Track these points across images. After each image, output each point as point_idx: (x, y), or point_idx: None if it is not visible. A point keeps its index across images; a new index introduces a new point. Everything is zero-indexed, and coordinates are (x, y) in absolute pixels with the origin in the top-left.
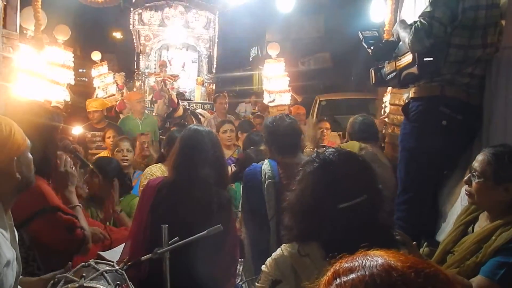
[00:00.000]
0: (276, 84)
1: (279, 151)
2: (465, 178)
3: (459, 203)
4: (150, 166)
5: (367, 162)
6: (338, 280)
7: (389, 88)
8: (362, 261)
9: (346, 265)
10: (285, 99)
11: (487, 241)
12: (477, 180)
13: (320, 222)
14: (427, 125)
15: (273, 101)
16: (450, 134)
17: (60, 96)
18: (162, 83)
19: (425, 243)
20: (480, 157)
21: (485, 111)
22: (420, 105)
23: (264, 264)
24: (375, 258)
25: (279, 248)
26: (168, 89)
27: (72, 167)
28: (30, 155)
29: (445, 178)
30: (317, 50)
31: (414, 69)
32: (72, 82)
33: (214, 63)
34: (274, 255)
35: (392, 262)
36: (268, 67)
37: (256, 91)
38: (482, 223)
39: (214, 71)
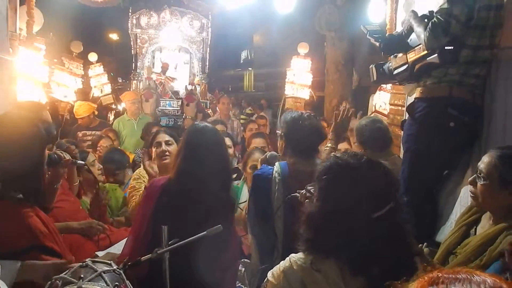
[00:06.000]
0: (299, 78)
1: (295, 152)
2: (470, 178)
3: (458, 203)
4: (139, 169)
5: (388, 166)
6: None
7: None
8: (468, 276)
9: (448, 275)
10: (305, 93)
11: (492, 244)
12: (482, 182)
13: (344, 234)
14: (434, 126)
15: (293, 94)
16: (456, 135)
17: (70, 97)
18: (193, 86)
19: (425, 244)
20: (486, 159)
21: (485, 111)
22: (427, 106)
23: (270, 271)
24: (485, 278)
25: (288, 259)
26: (196, 93)
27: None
28: None
29: (445, 178)
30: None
31: (433, 59)
32: (80, 86)
33: (207, 63)
34: (282, 266)
35: (504, 286)
36: (295, 62)
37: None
38: (485, 225)
39: (207, 71)
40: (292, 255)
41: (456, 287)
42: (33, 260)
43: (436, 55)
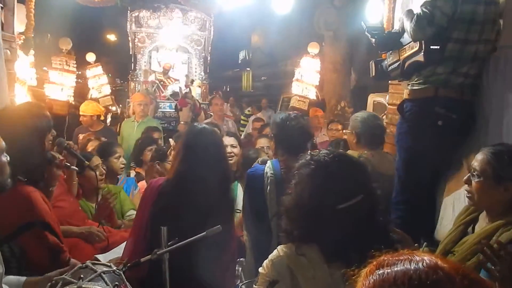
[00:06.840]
0: (307, 77)
1: (285, 150)
2: (465, 177)
3: (458, 202)
4: None
5: (360, 162)
6: (381, 271)
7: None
8: (409, 257)
9: (392, 258)
10: (311, 93)
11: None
12: (477, 180)
13: (319, 224)
14: (422, 125)
15: (299, 93)
16: (446, 133)
17: (65, 96)
18: (187, 89)
19: (425, 243)
20: (479, 157)
21: (483, 110)
22: (415, 106)
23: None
24: (423, 257)
25: (276, 249)
26: (192, 95)
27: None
28: (3, 159)
29: (443, 176)
30: (293, 55)
31: (419, 57)
32: (73, 84)
33: (208, 61)
34: (270, 256)
35: (439, 263)
36: (304, 61)
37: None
38: (482, 223)
39: (208, 71)
40: (280, 245)
41: (398, 267)
42: (36, 239)
43: (421, 53)
